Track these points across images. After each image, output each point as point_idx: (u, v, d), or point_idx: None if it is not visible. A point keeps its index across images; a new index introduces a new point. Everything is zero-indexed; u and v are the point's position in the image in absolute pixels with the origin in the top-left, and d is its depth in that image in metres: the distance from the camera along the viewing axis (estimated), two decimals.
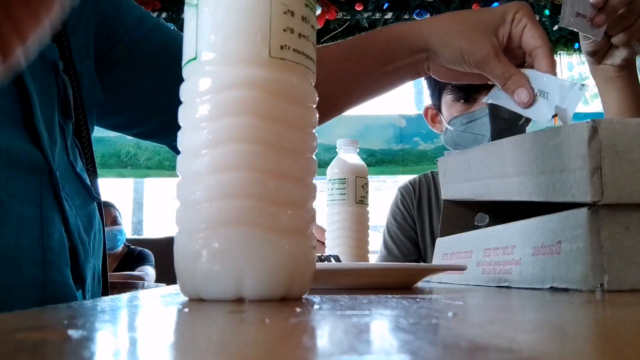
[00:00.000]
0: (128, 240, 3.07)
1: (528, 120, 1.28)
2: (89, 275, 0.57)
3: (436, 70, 0.69)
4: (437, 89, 1.30)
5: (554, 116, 0.62)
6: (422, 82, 1.39)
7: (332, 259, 0.70)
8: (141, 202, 4.69)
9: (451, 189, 0.72)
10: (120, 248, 2.90)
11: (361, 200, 0.96)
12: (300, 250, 0.35)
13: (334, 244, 0.95)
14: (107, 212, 2.67)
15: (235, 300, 0.34)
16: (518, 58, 0.65)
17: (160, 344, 0.20)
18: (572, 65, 4.08)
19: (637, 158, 0.47)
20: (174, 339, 0.22)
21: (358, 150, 0.99)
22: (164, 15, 3.47)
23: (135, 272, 2.76)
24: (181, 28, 0.40)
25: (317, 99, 0.38)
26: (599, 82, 0.95)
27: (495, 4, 3.29)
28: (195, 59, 0.35)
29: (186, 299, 0.36)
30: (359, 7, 3.40)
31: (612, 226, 0.47)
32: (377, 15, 3.50)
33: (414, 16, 3.36)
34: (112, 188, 4.32)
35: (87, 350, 0.18)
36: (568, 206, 0.50)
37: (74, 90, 0.58)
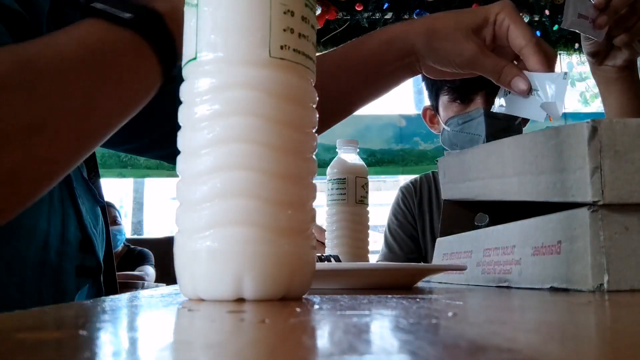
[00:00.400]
0: (128, 240, 3.07)
1: (525, 120, 1.29)
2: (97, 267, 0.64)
3: (428, 69, 0.70)
4: (434, 90, 1.31)
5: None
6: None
7: (332, 259, 0.70)
8: (141, 202, 4.69)
9: (451, 189, 0.72)
10: (120, 248, 2.90)
11: (361, 200, 0.96)
12: (300, 250, 0.35)
13: (334, 244, 0.95)
14: (107, 212, 2.67)
15: (235, 300, 0.34)
16: (510, 55, 0.65)
17: (160, 344, 0.20)
18: (572, 65, 4.08)
19: (637, 158, 0.47)
20: (174, 339, 0.22)
21: (358, 150, 0.99)
22: None
23: (135, 272, 2.76)
24: None
25: (317, 99, 0.38)
26: (600, 83, 0.95)
27: None
28: (195, 59, 0.35)
29: (186, 299, 0.36)
30: (359, 7, 3.40)
31: (612, 226, 0.47)
32: (377, 16, 3.50)
33: (414, 16, 3.36)
34: (112, 188, 4.32)
35: (87, 350, 0.18)
36: (568, 206, 0.50)
37: None
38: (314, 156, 0.37)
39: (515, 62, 0.65)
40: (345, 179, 0.95)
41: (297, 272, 0.35)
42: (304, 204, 0.36)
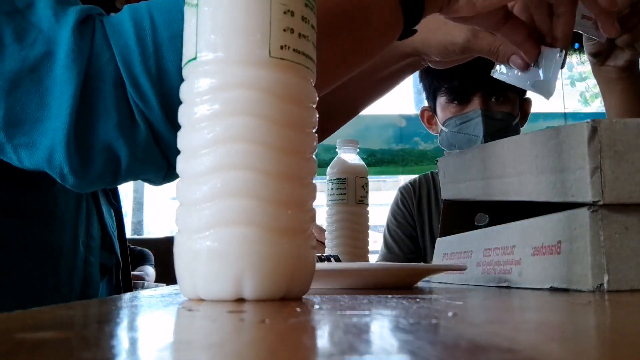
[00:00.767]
0: (128, 240, 3.06)
1: (522, 120, 1.29)
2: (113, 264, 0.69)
3: (432, 62, 0.74)
4: (431, 91, 1.31)
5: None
6: None
7: (332, 259, 0.70)
8: (141, 202, 4.69)
9: (451, 189, 0.72)
10: None
11: (361, 200, 0.95)
12: (300, 250, 0.35)
13: (334, 244, 0.95)
14: None
15: (235, 300, 0.34)
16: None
17: (160, 344, 0.20)
18: (572, 65, 4.08)
19: (637, 158, 0.47)
20: (174, 339, 0.22)
21: (358, 150, 0.99)
22: None
23: (135, 272, 2.76)
24: None
25: (317, 99, 0.38)
26: (601, 83, 0.95)
27: None
28: (195, 59, 0.35)
29: (186, 299, 0.36)
30: None
31: (612, 226, 0.47)
32: None
33: None
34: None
35: (87, 351, 0.18)
36: (568, 206, 0.50)
37: None
38: (314, 156, 0.37)
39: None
40: (345, 179, 0.95)
41: (297, 272, 0.35)
42: (304, 204, 0.36)
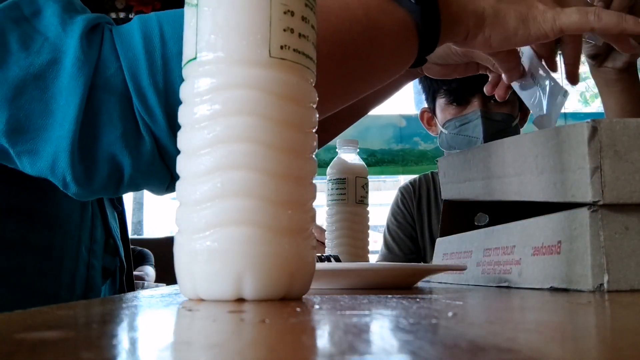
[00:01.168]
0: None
1: (522, 121, 1.29)
2: (118, 266, 0.69)
3: (429, 68, 0.73)
4: (431, 92, 1.31)
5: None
6: None
7: (332, 259, 0.70)
8: (141, 202, 4.69)
9: (451, 189, 0.72)
10: None
11: (361, 200, 0.95)
12: (300, 250, 0.35)
13: (334, 244, 0.95)
14: None
15: (235, 300, 0.34)
16: None
17: (161, 344, 0.21)
18: None
19: (637, 158, 0.47)
20: (174, 339, 0.22)
21: (358, 150, 0.99)
22: None
23: (135, 272, 2.75)
24: None
25: (317, 99, 0.38)
26: (599, 84, 0.95)
27: None
28: (195, 59, 0.35)
29: (186, 299, 0.36)
30: None
31: (612, 226, 0.47)
32: None
33: None
34: None
35: (87, 351, 0.18)
36: (568, 206, 0.50)
37: None
38: (314, 156, 0.37)
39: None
40: (345, 179, 0.95)
41: (297, 272, 0.35)
42: (304, 204, 0.36)
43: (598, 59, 0.91)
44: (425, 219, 1.44)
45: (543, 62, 0.65)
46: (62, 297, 0.57)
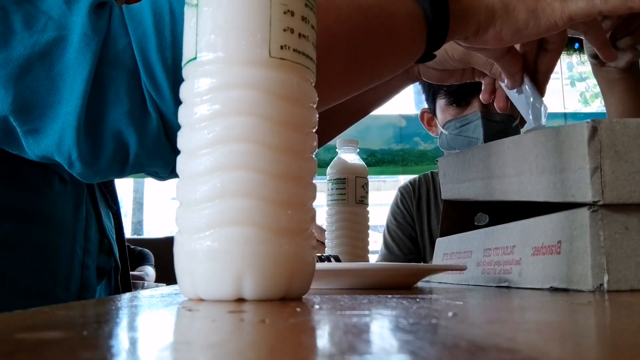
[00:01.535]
0: (128, 240, 3.06)
1: (522, 122, 1.29)
2: (112, 266, 0.70)
3: (426, 72, 0.74)
4: (431, 93, 1.30)
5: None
6: None
7: (332, 259, 0.70)
8: (141, 202, 4.69)
9: (451, 189, 0.72)
10: None
11: (361, 200, 0.95)
12: (300, 250, 0.35)
13: (334, 244, 0.95)
14: None
15: (235, 300, 0.34)
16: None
17: (160, 344, 0.20)
18: (572, 65, 4.08)
19: (637, 158, 0.47)
20: (174, 339, 0.22)
21: (358, 150, 0.99)
22: None
23: (135, 272, 2.76)
24: None
25: (317, 99, 0.38)
26: (602, 84, 0.95)
27: None
28: (195, 59, 0.35)
29: (186, 299, 0.36)
30: None
31: (612, 226, 0.47)
32: None
33: None
34: None
35: (87, 351, 0.18)
36: (568, 206, 0.50)
37: None
38: (314, 156, 0.37)
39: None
40: (345, 179, 0.95)
41: (297, 272, 0.35)
42: (304, 204, 0.36)
43: (600, 59, 0.91)
44: (425, 219, 1.44)
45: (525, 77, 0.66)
46: (57, 297, 0.57)
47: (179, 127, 0.43)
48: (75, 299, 0.59)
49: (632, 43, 0.85)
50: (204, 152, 0.34)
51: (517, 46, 0.66)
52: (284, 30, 0.35)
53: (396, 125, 4.02)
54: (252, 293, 0.34)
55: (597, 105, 4.08)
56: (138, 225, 4.62)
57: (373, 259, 1.23)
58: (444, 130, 1.26)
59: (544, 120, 0.64)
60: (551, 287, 0.50)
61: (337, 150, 0.99)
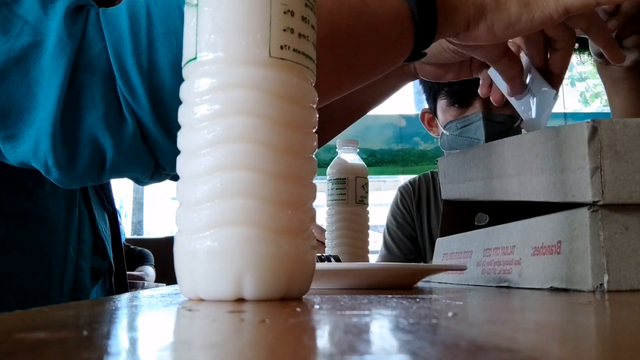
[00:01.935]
0: (128, 240, 3.07)
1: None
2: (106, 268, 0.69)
3: (422, 69, 0.72)
4: (431, 94, 1.30)
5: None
6: None
7: (332, 259, 0.70)
8: (141, 202, 4.69)
9: (451, 189, 0.72)
10: None
11: (361, 200, 0.95)
12: (300, 250, 0.35)
13: (334, 244, 0.95)
14: None
15: (235, 300, 0.34)
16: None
17: (160, 344, 0.20)
18: (572, 65, 4.08)
19: (637, 158, 0.47)
20: (174, 339, 0.22)
21: (358, 150, 0.99)
22: None
23: (135, 272, 2.76)
24: None
25: (317, 99, 0.38)
26: (606, 82, 0.95)
27: None
28: (195, 59, 0.35)
29: (186, 299, 0.36)
30: None
31: (612, 226, 0.47)
32: None
33: None
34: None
35: (87, 351, 0.18)
36: (568, 206, 0.50)
37: None
38: (314, 156, 0.37)
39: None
40: (345, 179, 0.95)
41: (297, 272, 0.35)
42: (304, 204, 0.36)
43: (606, 58, 0.91)
44: (425, 219, 1.44)
45: (532, 67, 0.64)
46: (51, 298, 0.57)
47: (157, 131, 0.43)
48: (68, 300, 0.59)
49: (638, 42, 0.85)
50: (204, 152, 0.34)
51: (523, 48, 0.65)
52: (284, 30, 0.35)
53: (396, 125, 4.02)
54: (252, 293, 0.34)
55: (597, 105, 4.08)
56: (138, 225, 4.62)
57: (373, 259, 1.23)
58: (445, 131, 1.26)
59: (554, 103, 0.63)
60: (551, 287, 0.50)
61: (337, 150, 0.99)
